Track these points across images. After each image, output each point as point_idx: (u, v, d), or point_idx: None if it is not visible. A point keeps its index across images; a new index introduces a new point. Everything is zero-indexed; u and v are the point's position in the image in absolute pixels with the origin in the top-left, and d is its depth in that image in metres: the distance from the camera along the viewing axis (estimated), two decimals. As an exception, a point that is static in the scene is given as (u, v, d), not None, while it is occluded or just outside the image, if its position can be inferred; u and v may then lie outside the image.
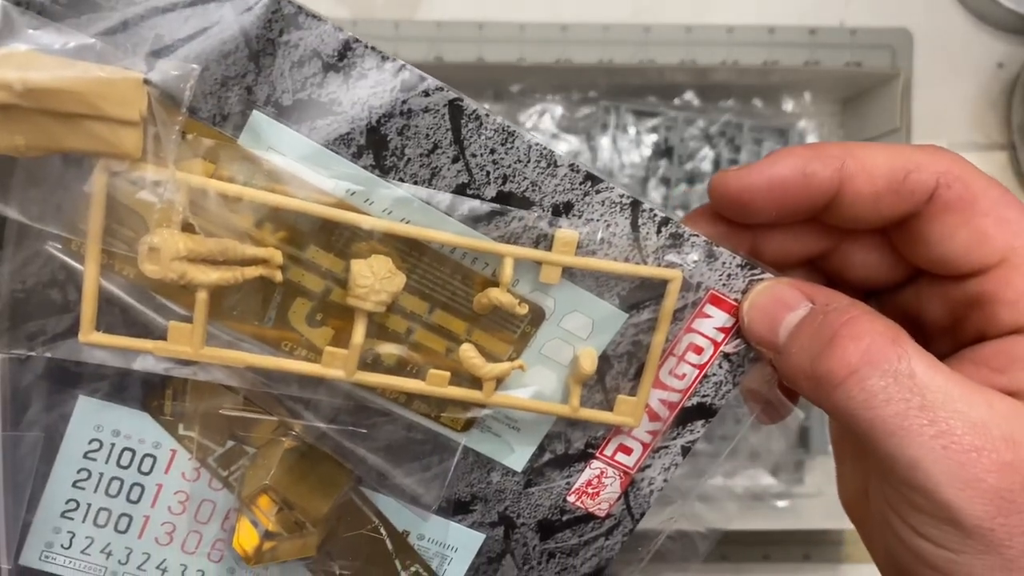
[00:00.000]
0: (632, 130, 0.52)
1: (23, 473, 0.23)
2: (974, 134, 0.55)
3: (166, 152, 0.21)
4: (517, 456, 0.25)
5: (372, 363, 0.24)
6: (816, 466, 0.54)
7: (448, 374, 0.24)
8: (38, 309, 0.23)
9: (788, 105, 0.52)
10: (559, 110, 0.52)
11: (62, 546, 0.25)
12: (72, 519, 0.25)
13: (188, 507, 0.25)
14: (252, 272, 0.22)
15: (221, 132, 0.22)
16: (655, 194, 0.52)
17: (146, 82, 0.21)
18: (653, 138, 0.52)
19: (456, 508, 0.26)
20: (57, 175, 0.21)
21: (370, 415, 0.24)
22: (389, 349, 0.24)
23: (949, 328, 0.22)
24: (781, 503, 0.51)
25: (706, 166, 0.52)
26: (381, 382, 0.23)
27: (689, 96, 0.52)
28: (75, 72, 0.19)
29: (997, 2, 0.52)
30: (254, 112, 0.22)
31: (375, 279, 0.22)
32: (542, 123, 0.52)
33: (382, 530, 0.25)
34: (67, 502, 0.25)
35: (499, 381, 0.24)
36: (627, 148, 0.52)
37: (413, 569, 0.26)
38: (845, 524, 0.52)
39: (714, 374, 0.24)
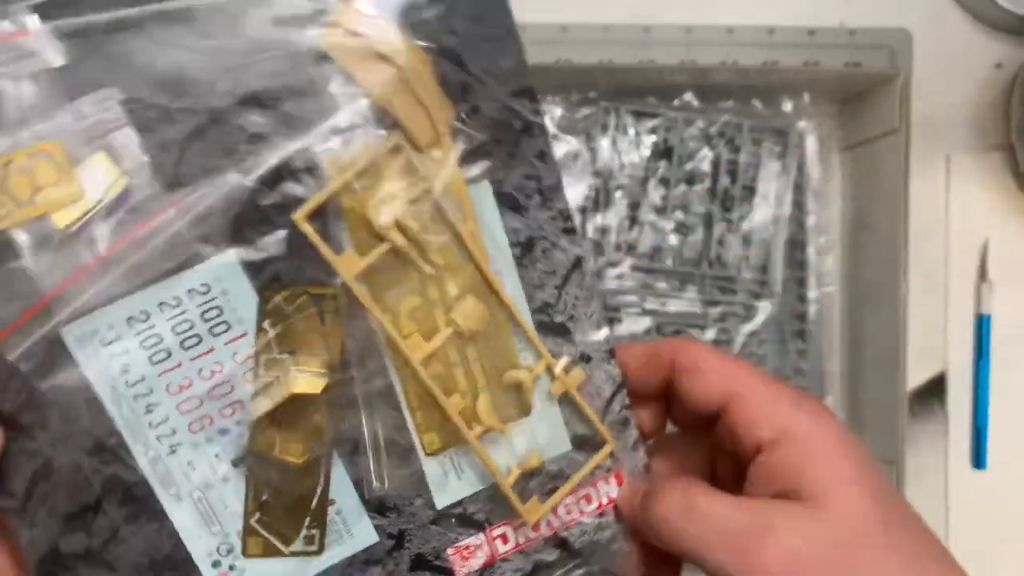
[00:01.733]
0: (632, 131, 0.52)
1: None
2: (973, 134, 0.55)
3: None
4: (446, 496, 0.31)
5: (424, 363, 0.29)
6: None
7: (463, 402, 0.29)
8: None
9: (787, 105, 0.52)
10: (559, 111, 0.52)
11: (101, 340, 0.27)
12: (131, 327, 0.27)
13: (213, 380, 0.28)
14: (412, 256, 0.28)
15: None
16: (654, 194, 0.52)
17: None
18: (652, 139, 0.52)
19: (377, 507, 0.30)
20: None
21: (383, 401, 0.29)
22: (436, 366, 0.29)
23: (734, 455, 0.29)
24: (780, 502, 0.51)
25: (705, 166, 0.52)
26: (427, 380, 0.29)
27: (688, 97, 0.52)
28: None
29: (996, 3, 0.52)
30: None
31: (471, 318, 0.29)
32: (542, 123, 0.52)
33: (318, 489, 0.29)
34: (142, 311, 0.27)
35: (485, 431, 0.30)
36: (627, 149, 0.52)
37: (312, 532, 0.30)
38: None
39: (585, 524, 0.32)
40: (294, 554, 0.30)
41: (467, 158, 0.28)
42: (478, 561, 0.31)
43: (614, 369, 0.31)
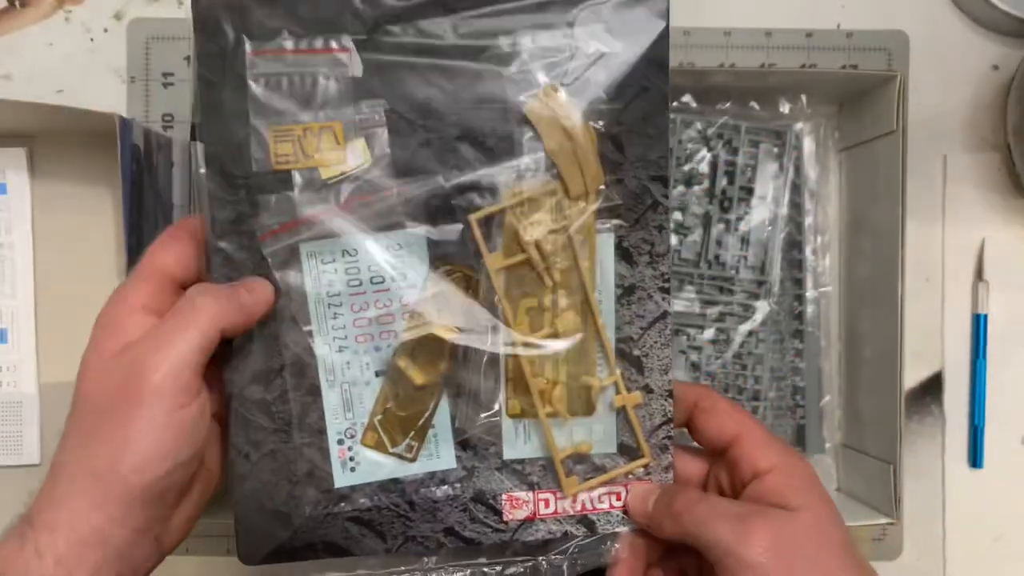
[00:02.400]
0: (631, 132, 0.52)
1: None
2: (969, 136, 0.56)
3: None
4: (513, 451, 0.39)
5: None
6: (814, 464, 0.55)
7: (544, 386, 0.39)
8: None
9: (785, 107, 0.53)
10: (558, 112, 0.52)
11: (322, 260, 0.38)
12: (343, 257, 0.38)
13: (382, 310, 0.38)
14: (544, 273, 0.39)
15: None
16: (653, 195, 0.52)
17: None
18: (651, 140, 0.52)
19: (462, 443, 0.39)
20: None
21: (490, 365, 0.39)
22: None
23: (735, 480, 0.38)
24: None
25: (704, 168, 0.53)
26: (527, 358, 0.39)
27: (687, 98, 0.52)
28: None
29: (992, 5, 0.52)
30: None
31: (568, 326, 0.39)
32: (541, 125, 0.52)
33: (426, 413, 0.39)
34: (354, 248, 0.38)
35: (553, 413, 0.39)
36: (626, 150, 0.52)
37: (413, 443, 0.39)
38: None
39: (612, 515, 0.40)
40: (394, 455, 0.39)
41: (603, 213, 0.38)
42: (523, 513, 0.39)
43: (668, 406, 0.39)
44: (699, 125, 0.52)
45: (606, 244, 0.38)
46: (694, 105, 0.52)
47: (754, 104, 0.53)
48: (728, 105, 0.53)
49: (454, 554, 0.40)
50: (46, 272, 0.54)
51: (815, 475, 0.37)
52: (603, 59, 0.37)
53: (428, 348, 0.38)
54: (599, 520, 0.39)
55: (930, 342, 0.55)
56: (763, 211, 0.53)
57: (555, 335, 0.38)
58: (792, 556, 0.33)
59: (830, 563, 0.34)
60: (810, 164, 0.54)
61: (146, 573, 0.35)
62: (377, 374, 0.39)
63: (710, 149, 0.52)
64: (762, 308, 0.52)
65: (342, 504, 0.38)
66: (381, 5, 0.36)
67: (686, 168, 0.52)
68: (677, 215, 0.53)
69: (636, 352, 0.39)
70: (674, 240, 0.53)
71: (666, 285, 0.39)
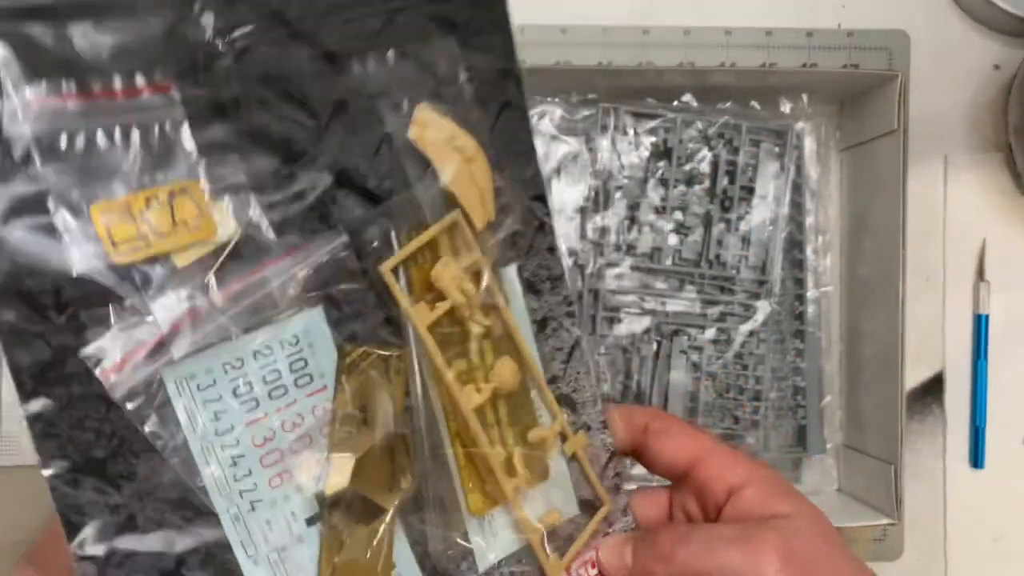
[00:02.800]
0: (631, 132, 0.52)
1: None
2: (970, 135, 0.56)
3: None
4: (486, 560, 0.33)
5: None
6: (813, 464, 0.55)
7: (502, 455, 0.33)
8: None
9: (786, 107, 0.53)
10: (558, 112, 0.52)
11: (199, 385, 0.28)
12: (226, 372, 0.28)
13: (295, 432, 0.29)
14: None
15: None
16: (654, 195, 0.52)
17: None
18: (652, 140, 0.52)
19: (431, 572, 0.32)
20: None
21: (437, 464, 0.32)
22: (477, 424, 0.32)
23: (707, 503, 0.35)
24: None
25: (704, 167, 0.52)
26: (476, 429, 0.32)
27: (687, 98, 0.52)
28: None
29: (993, 4, 0.52)
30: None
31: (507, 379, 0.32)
32: (542, 125, 0.52)
33: (382, 554, 0.31)
34: (237, 359, 0.28)
35: (521, 485, 0.33)
36: (626, 150, 0.52)
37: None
38: (842, 522, 0.52)
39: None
40: None
41: (503, 244, 0.33)
42: None
43: (608, 438, 0.36)
44: (700, 125, 0.52)
45: (511, 278, 0.33)
46: (695, 105, 0.52)
47: (755, 103, 0.53)
48: (729, 104, 0.53)
49: None
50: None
51: (788, 481, 0.36)
52: (465, 73, 0.32)
53: (365, 470, 0.30)
54: None
55: (931, 342, 0.55)
56: (764, 211, 0.52)
57: (497, 393, 0.33)
58: (806, 562, 0.32)
59: (840, 560, 0.33)
60: (811, 164, 0.54)
61: None
62: (309, 523, 0.30)
63: (711, 149, 0.52)
64: (763, 308, 0.52)
65: None
66: (205, 32, 0.28)
67: (687, 168, 0.52)
68: (678, 215, 0.53)
69: (565, 390, 0.35)
70: (674, 240, 0.53)
71: (571, 309, 0.35)
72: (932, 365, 0.55)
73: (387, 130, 0.31)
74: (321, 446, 0.30)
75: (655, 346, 0.52)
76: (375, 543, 0.30)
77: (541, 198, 0.34)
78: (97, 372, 0.26)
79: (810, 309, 0.54)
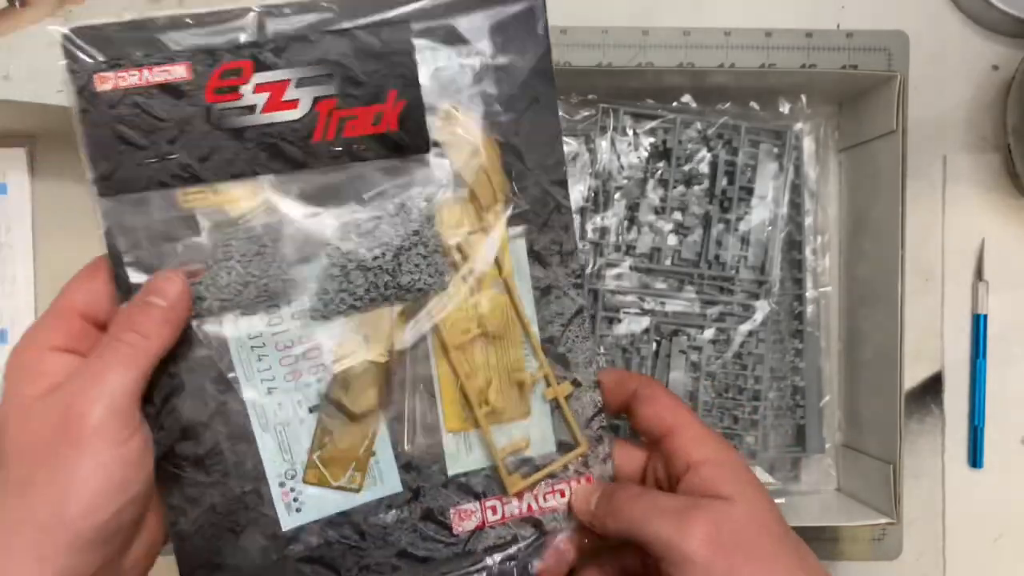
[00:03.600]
0: (630, 132, 0.52)
1: None
2: (969, 136, 0.56)
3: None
4: (456, 466, 0.40)
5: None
6: (812, 464, 0.55)
7: (479, 388, 0.40)
8: None
9: (785, 107, 0.53)
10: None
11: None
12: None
13: (308, 344, 0.38)
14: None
15: None
16: (653, 195, 0.52)
17: None
18: (651, 140, 0.52)
19: (404, 465, 0.39)
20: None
21: (424, 385, 0.39)
22: (465, 358, 0.40)
23: (670, 472, 0.39)
24: (778, 500, 0.52)
25: (704, 168, 0.53)
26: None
27: (687, 99, 0.52)
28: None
29: (992, 5, 0.53)
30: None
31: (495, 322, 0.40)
32: (541, 125, 0.52)
33: (365, 442, 0.39)
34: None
35: (491, 412, 0.40)
36: (625, 150, 0.52)
37: (355, 473, 0.39)
38: (841, 522, 0.52)
39: (558, 514, 0.40)
40: (339, 488, 0.39)
41: (513, 220, 0.39)
42: (471, 524, 0.40)
43: (598, 397, 0.40)
44: (699, 125, 0.52)
45: (519, 248, 0.39)
46: (694, 105, 0.53)
47: (754, 104, 0.53)
48: (728, 105, 0.53)
49: (412, 573, 0.40)
50: (46, 272, 0.54)
51: (747, 466, 0.38)
52: (495, 74, 0.38)
53: (361, 376, 0.38)
54: (546, 520, 0.40)
55: (930, 342, 0.55)
56: (763, 211, 0.53)
57: (484, 335, 0.39)
58: (731, 545, 0.34)
59: (768, 548, 0.35)
60: (810, 164, 0.54)
61: None
62: (311, 410, 0.38)
63: (710, 149, 0.52)
64: (762, 308, 0.52)
65: (291, 546, 0.38)
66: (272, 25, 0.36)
67: (686, 168, 0.52)
68: (677, 215, 0.53)
69: (560, 349, 0.40)
70: (674, 240, 0.53)
71: (579, 281, 0.40)
72: (931, 365, 0.56)
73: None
74: (328, 357, 0.38)
75: (654, 346, 0.53)
76: (360, 435, 0.38)
77: (561, 183, 0.39)
78: None
79: (809, 309, 0.54)
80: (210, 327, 0.37)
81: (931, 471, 0.56)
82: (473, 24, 0.37)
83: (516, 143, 0.39)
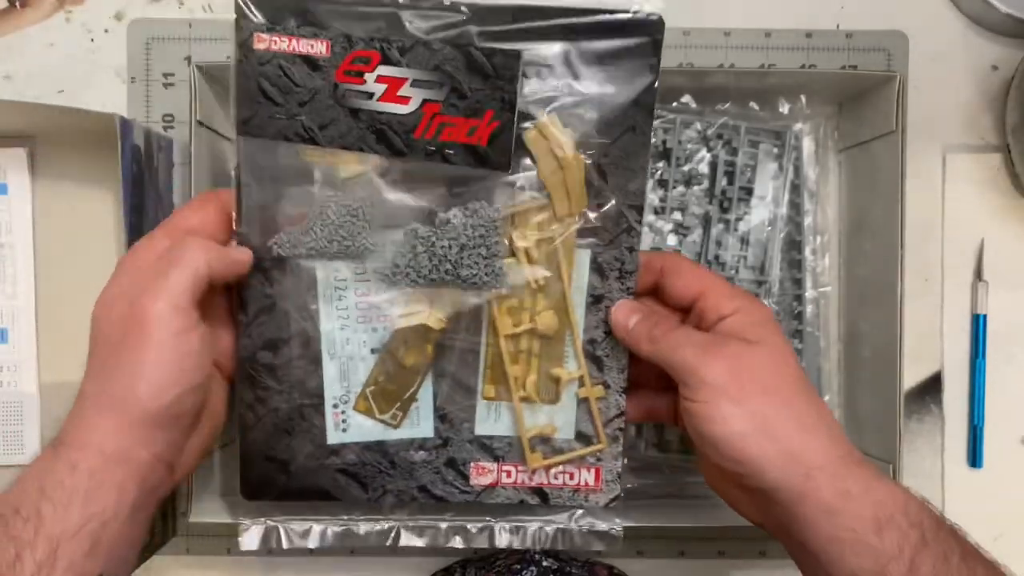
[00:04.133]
0: (630, 132, 0.52)
1: None
2: (969, 136, 0.56)
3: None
4: (483, 428, 0.45)
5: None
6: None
7: (519, 373, 0.45)
8: None
9: (785, 108, 0.53)
10: (558, 112, 0.52)
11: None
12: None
13: (382, 296, 0.44)
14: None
15: None
16: (653, 195, 0.53)
17: None
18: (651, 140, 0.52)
19: (440, 416, 0.45)
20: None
21: (471, 354, 0.45)
22: (512, 345, 0.45)
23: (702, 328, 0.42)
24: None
25: (703, 168, 0.53)
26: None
27: (686, 99, 0.52)
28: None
29: (991, 5, 0.53)
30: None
31: (547, 324, 0.45)
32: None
33: (412, 388, 0.45)
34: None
35: (525, 398, 0.45)
36: (625, 150, 0.52)
37: (398, 412, 0.45)
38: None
39: (563, 491, 0.46)
40: (381, 421, 0.45)
41: (583, 232, 0.43)
42: (487, 480, 0.45)
43: (622, 401, 0.45)
44: (699, 125, 0.52)
45: (583, 258, 0.44)
46: (694, 105, 0.53)
47: (754, 104, 0.53)
48: (728, 105, 0.53)
49: (425, 508, 0.46)
50: (47, 272, 0.54)
51: (774, 319, 0.41)
52: (598, 100, 0.42)
53: (419, 334, 0.44)
54: (552, 493, 0.45)
55: (929, 342, 0.55)
56: (763, 211, 0.53)
57: (533, 331, 0.44)
58: (748, 378, 0.37)
59: (783, 387, 0.38)
60: (810, 164, 0.54)
61: (159, 499, 0.39)
62: (372, 351, 0.44)
63: (710, 149, 0.53)
64: (762, 308, 0.52)
65: (333, 457, 0.44)
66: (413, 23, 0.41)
67: (686, 168, 0.52)
68: (677, 215, 0.53)
69: (598, 353, 0.45)
70: (674, 240, 0.53)
71: (629, 297, 0.44)
72: (930, 365, 0.56)
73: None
74: (396, 311, 0.44)
75: (654, 346, 0.53)
76: (408, 382, 0.44)
77: (638, 208, 0.43)
78: (278, 220, 0.42)
79: (809, 309, 0.54)
80: (306, 263, 0.43)
81: (930, 471, 0.56)
82: (589, 47, 0.41)
83: (603, 164, 0.43)
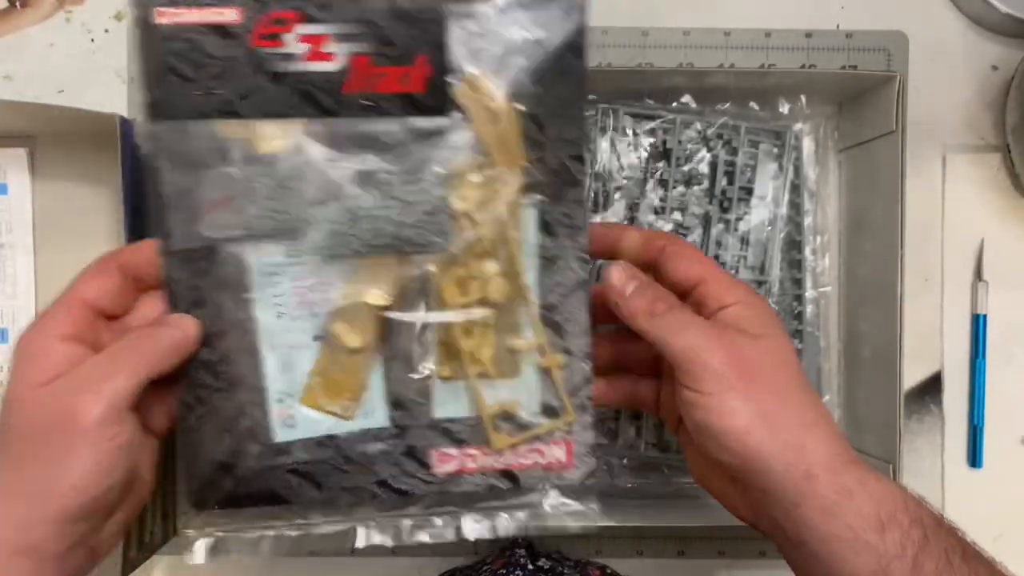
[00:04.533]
0: (630, 132, 0.52)
1: None
2: (969, 136, 0.56)
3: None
4: (442, 411, 0.42)
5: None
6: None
7: (474, 345, 0.42)
8: None
9: (784, 108, 0.53)
10: (558, 112, 0.53)
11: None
12: None
13: (320, 278, 0.40)
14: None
15: None
16: (653, 196, 0.53)
17: None
18: (651, 140, 0.53)
19: (394, 403, 0.42)
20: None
21: (421, 332, 0.42)
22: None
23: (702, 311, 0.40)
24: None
25: (703, 168, 0.53)
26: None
27: (686, 99, 0.52)
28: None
29: (991, 5, 0.53)
30: None
31: (498, 291, 0.41)
32: (541, 125, 0.52)
33: (361, 375, 0.41)
34: None
35: (481, 372, 0.42)
36: (625, 150, 0.53)
37: (348, 403, 0.41)
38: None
39: (533, 472, 0.42)
40: (331, 413, 0.41)
41: (526, 189, 0.40)
42: (450, 467, 0.42)
43: (587, 367, 0.42)
44: (699, 125, 0.52)
45: (529, 217, 0.41)
46: (694, 105, 0.53)
47: (754, 104, 0.53)
48: (728, 105, 0.53)
49: (387, 504, 0.43)
50: (47, 273, 0.54)
51: (774, 312, 0.40)
52: (526, 46, 0.40)
53: (363, 314, 0.41)
54: (522, 476, 0.42)
55: (929, 342, 0.55)
56: (762, 211, 0.53)
57: (484, 301, 0.41)
58: (750, 370, 0.37)
59: (783, 383, 0.37)
60: (809, 164, 0.54)
61: None
62: (315, 339, 0.41)
63: (710, 149, 0.53)
64: (762, 308, 0.52)
65: (281, 457, 0.41)
66: None
67: (686, 168, 0.52)
68: (677, 215, 0.53)
69: (557, 318, 0.42)
70: (674, 240, 0.53)
71: (584, 255, 0.41)
72: (930, 365, 0.56)
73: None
74: (337, 292, 0.40)
75: (654, 346, 0.53)
76: (356, 368, 0.41)
77: (579, 158, 0.41)
78: (202, 207, 0.39)
79: (808, 309, 0.54)
80: (234, 248, 0.39)
81: (930, 471, 0.56)
82: None
83: (539, 114, 0.40)
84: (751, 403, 0.36)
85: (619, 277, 0.40)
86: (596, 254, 0.43)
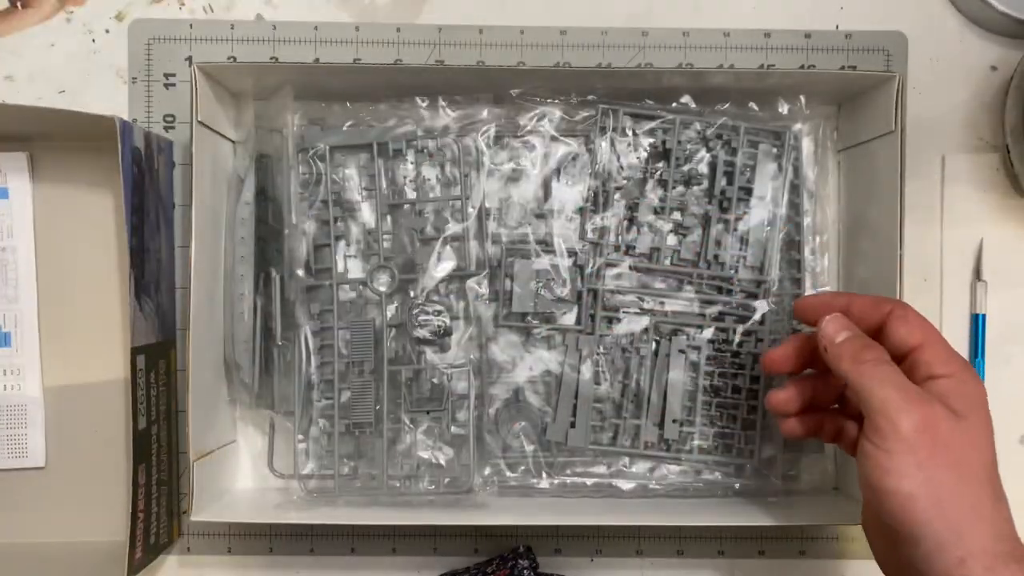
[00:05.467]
0: (630, 133, 0.52)
1: None
2: (968, 136, 0.56)
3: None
4: None
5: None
6: (811, 464, 0.55)
7: None
8: None
9: (784, 108, 0.53)
10: (558, 113, 0.53)
11: None
12: None
13: None
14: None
15: None
16: (652, 196, 0.53)
17: None
18: (650, 140, 0.53)
19: None
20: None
21: None
22: None
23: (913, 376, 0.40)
24: (777, 500, 0.52)
25: (703, 168, 0.53)
26: None
27: (686, 99, 0.53)
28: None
29: (990, 5, 0.53)
30: None
31: None
32: (541, 126, 0.53)
33: None
34: None
35: None
36: (625, 150, 0.53)
37: None
38: (840, 521, 0.53)
39: None
40: None
41: None
42: None
43: None
44: (698, 126, 0.52)
45: None
46: (693, 106, 0.53)
47: (753, 105, 0.53)
48: (727, 106, 0.53)
49: None
50: (49, 275, 0.54)
51: (985, 395, 0.40)
52: None
53: None
54: None
55: (929, 342, 0.56)
56: (762, 211, 0.53)
57: None
58: (940, 447, 0.36)
59: (972, 469, 0.37)
60: (809, 164, 0.54)
61: None
62: None
63: (709, 150, 0.53)
64: (761, 308, 0.53)
65: None
66: None
67: (685, 168, 0.53)
68: (677, 215, 0.53)
69: None
70: (673, 240, 0.53)
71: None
72: (929, 364, 0.56)
73: None
74: None
75: (654, 345, 0.53)
76: None
77: None
78: None
79: (808, 309, 0.54)
80: None
81: (930, 470, 0.56)
82: None
83: None
84: (925, 472, 0.36)
85: (834, 326, 0.42)
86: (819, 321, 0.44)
